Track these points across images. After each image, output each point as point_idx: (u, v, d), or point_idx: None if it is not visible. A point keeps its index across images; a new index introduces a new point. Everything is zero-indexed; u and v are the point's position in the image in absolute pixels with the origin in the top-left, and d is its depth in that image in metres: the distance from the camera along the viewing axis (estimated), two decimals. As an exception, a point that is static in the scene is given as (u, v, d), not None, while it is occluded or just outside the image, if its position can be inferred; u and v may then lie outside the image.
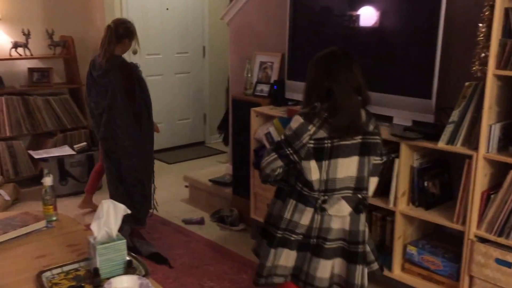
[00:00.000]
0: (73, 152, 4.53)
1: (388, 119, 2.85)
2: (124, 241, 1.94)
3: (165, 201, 4.24)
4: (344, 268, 2.11)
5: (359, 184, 2.07)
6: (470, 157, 2.38)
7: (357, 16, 2.97)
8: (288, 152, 2.03)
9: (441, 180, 2.73)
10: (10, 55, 4.47)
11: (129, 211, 2.04)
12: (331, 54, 2.09)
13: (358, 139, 2.05)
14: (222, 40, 6.02)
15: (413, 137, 2.55)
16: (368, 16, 2.92)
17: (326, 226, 2.06)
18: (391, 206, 2.71)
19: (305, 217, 2.07)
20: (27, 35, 4.47)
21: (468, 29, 2.55)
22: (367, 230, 2.16)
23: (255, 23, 3.93)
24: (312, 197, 2.05)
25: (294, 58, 3.34)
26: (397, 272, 2.78)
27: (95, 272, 1.85)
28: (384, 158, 2.48)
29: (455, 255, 2.59)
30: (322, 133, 1.99)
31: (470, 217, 2.42)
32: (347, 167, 2.04)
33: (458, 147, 2.43)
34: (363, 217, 2.12)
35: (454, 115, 2.42)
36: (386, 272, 2.68)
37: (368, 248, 2.18)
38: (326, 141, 2.00)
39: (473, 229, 2.43)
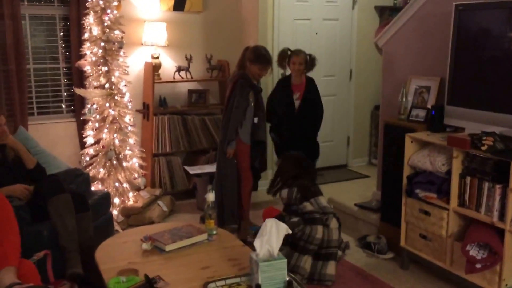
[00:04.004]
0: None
1: None
2: (285, 260, 1.99)
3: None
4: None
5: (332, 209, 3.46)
6: None
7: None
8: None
9: None
10: (174, 78, 4.90)
11: (290, 231, 2.08)
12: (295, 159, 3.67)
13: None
14: (369, 63, 5.95)
15: None
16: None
17: (331, 238, 3.26)
18: None
19: (319, 232, 3.22)
20: (189, 59, 4.87)
21: None
22: None
23: (411, 47, 3.81)
24: (320, 218, 3.28)
25: (456, 82, 3.15)
26: None
27: (257, 288, 1.91)
28: None
29: None
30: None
31: None
32: (323, 199, 3.44)
33: None
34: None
35: None
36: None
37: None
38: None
39: None
